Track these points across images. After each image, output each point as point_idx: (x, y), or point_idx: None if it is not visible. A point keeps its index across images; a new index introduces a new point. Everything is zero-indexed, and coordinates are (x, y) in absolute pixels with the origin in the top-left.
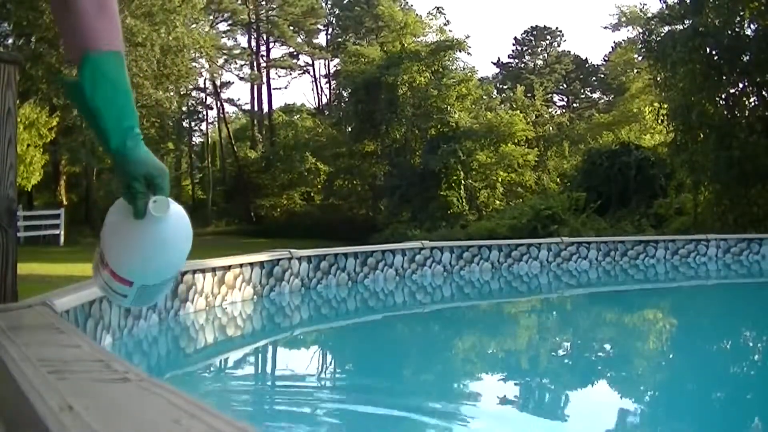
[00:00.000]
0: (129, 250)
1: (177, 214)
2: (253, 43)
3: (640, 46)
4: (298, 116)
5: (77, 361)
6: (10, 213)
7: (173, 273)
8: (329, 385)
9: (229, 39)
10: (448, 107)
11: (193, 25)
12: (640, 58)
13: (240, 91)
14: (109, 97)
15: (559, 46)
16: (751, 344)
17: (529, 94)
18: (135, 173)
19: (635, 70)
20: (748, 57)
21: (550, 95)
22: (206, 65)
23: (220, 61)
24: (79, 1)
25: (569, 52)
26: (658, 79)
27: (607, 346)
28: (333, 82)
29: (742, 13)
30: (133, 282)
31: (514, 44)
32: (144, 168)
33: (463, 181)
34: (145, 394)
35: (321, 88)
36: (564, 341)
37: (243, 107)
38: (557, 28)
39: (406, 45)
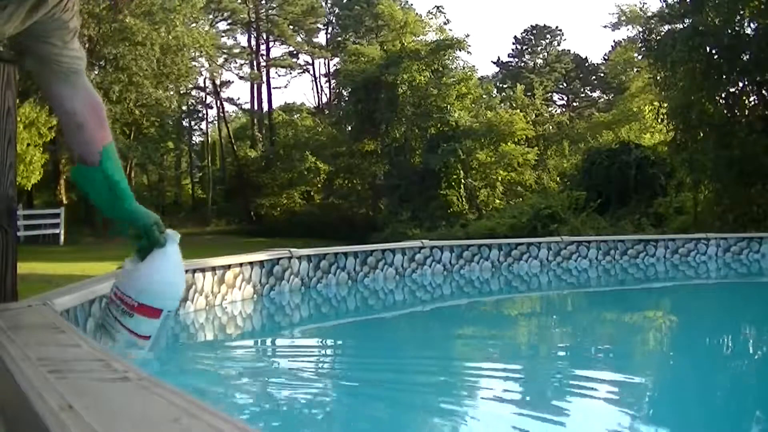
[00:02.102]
0: (159, 279)
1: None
2: (253, 42)
3: (640, 45)
4: (298, 115)
5: (77, 360)
6: (10, 212)
7: (182, 293)
8: (330, 383)
9: (228, 38)
10: (448, 106)
11: (193, 24)
12: (639, 57)
13: (240, 91)
14: (120, 172)
15: (559, 45)
16: (751, 343)
17: (528, 93)
18: (150, 220)
19: (635, 69)
20: (748, 56)
21: (550, 94)
22: (206, 64)
23: (220, 60)
24: (88, 123)
25: (569, 51)
26: (658, 78)
27: (608, 345)
28: (333, 82)
29: (742, 12)
30: (162, 309)
31: (513, 43)
32: (153, 216)
33: (462, 180)
34: (145, 393)
35: (321, 87)
36: (564, 340)
37: (243, 106)
38: (557, 27)
39: (406, 44)
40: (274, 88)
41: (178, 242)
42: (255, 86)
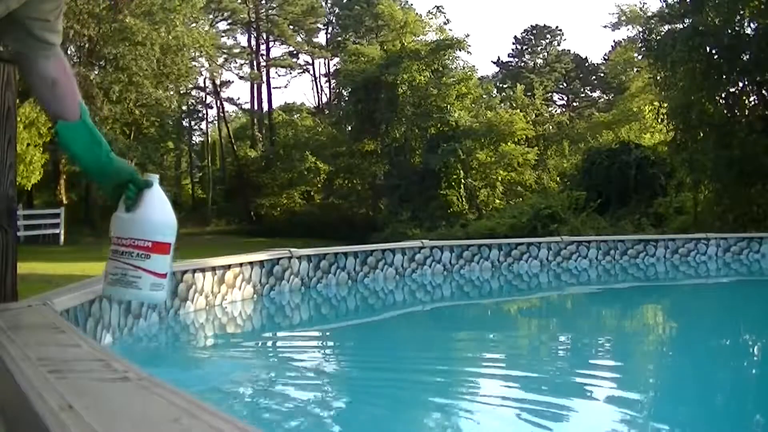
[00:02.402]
0: (161, 215)
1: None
2: (253, 42)
3: (640, 45)
4: (298, 115)
5: (77, 360)
6: (10, 212)
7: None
8: (330, 382)
9: (228, 38)
10: (448, 106)
11: (193, 24)
12: (639, 57)
13: (240, 90)
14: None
15: (559, 45)
16: (751, 343)
17: (528, 93)
18: (132, 167)
19: (635, 69)
20: (748, 56)
21: (549, 94)
22: (206, 64)
23: (220, 60)
24: (61, 78)
25: (569, 51)
26: (658, 78)
27: (608, 345)
28: (333, 81)
29: (741, 12)
30: (171, 243)
31: (513, 43)
32: (131, 167)
33: (462, 180)
34: (145, 393)
35: (321, 87)
36: (564, 339)
37: (243, 106)
38: (557, 27)
39: (406, 44)
40: (274, 88)
41: (157, 180)
42: (255, 86)
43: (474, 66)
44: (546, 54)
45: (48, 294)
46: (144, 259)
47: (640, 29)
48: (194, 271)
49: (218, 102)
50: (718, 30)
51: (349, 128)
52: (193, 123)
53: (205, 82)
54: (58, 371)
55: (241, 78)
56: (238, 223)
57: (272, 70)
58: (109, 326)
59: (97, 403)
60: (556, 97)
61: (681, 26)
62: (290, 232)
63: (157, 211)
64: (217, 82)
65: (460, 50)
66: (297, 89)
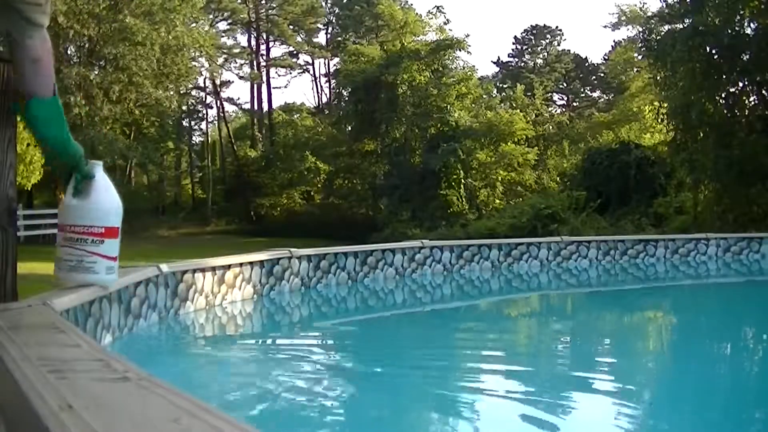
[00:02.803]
0: (108, 202)
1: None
2: (253, 42)
3: (640, 45)
4: (298, 115)
5: (77, 360)
6: (10, 212)
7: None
8: (330, 383)
9: (228, 38)
10: (448, 106)
11: (193, 24)
12: (639, 57)
13: (240, 90)
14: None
15: (559, 45)
16: (751, 343)
17: (528, 93)
18: (80, 153)
19: (635, 69)
20: (748, 56)
21: (549, 94)
22: (206, 64)
23: (220, 60)
24: (44, 56)
25: (569, 51)
26: (658, 78)
27: (608, 345)
28: (333, 81)
29: (741, 12)
30: (119, 227)
31: (513, 43)
32: (81, 150)
33: (462, 180)
34: (145, 393)
35: (321, 87)
36: (565, 340)
37: (243, 106)
38: (557, 27)
39: (405, 44)
40: (274, 88)
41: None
42: (255, 86)
43: (474, 66)
44: (546, 54)
45: (48, 294)
46: (99, 245)
47: (640, 29)
48: (194, 271)
49: (218, 102)
50: (718, 30)
51: (349, 128)
52: (193, 123)
53: (205, 82)
54: (58, 371)
55: (241, 78)
56: (238, 223)
57: (272, 70)
58: (109, 326)
59: (97, 403)
60: (556, 97)
61: (681, 26)
62: (290, 232)
63: (107, 198)
64: (217, 82)
65: (460, 50)
66: (297, 89)
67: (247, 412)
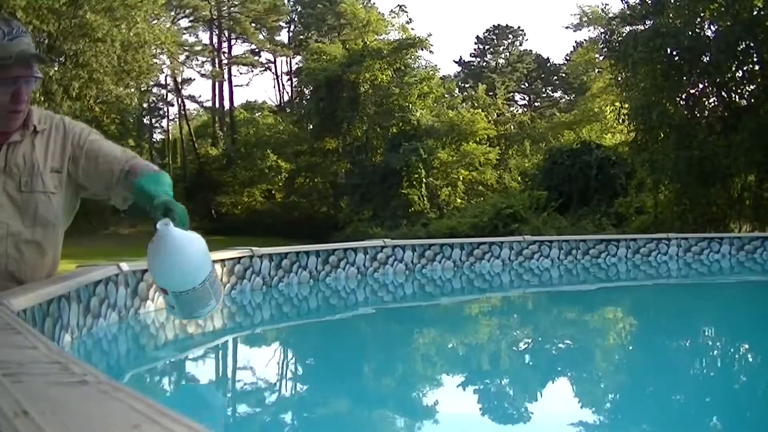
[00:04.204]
0: (154, 264)
1: (181, 236)
2: (215, 40)
3: (601, 45)
4: (260, 113)
5: (33, 363)
6: None
7: (190, 283)
8: (291, 384)
9: (190, 35)
10: (410, 105)
11: (154, 21)
12: (601, 57)
13: (201, 88)
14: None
15: (521, 45)
16: (710, 343)
17: (490, 93)
18: (159, 203)
19: (596, 70)
20: (708, 58)
21: (511, 94)
22: (167, 61)
23: (182, 58)
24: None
25: (531, 51)
26: (619, 78)
27: (571, 344)
28: (295, 80)
29: (702, 15)
30: (167, 290)
31: (476, 43)
32: (166, 203)
33: (424, 180)
34: (105, 398)
35: (282, 85)
36: (528, 339)
37: (204, 104)
38: (519, 27)
39: (368, 43)
40: (235, 86)
41: (167, 229)
42: (216, 84)
43: (436, 65)
44: (508, 54)
45: (4, 293)
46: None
47: (602, 30)
48: None
49: (179, 99)
50: (678, 32)
51: (311, 127)
52: (154, 120)
53: (166, 80)
54: (13, 374)
55: (202, 76)
56: (198, 222)
57: (234, 68)
58: (68, 326)
59: (53, 408)
60: (517, 96)
61: (642, 28)
62: (251, 230)
63: (158, 259)
64: (179, 79)
65: (422, 49)
66: (259, 87)
67: (206, 416)
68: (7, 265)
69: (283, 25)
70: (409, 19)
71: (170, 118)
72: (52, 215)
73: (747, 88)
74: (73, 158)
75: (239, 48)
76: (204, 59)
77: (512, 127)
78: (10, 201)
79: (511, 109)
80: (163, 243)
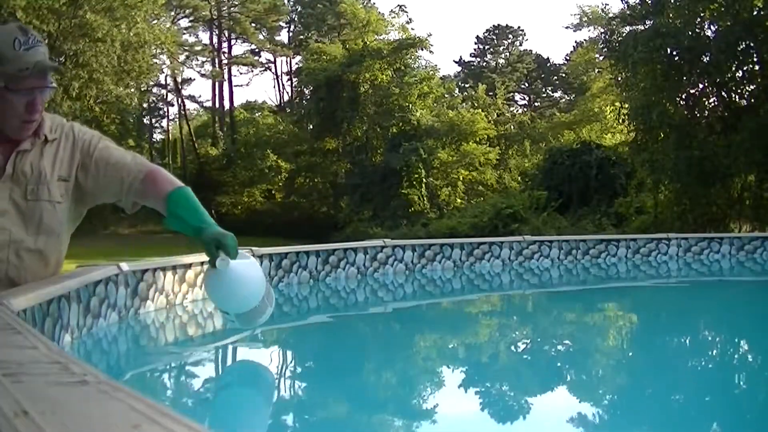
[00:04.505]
0: (212, 292)
1: (238, 267)
2: (215, 40)
3: (601, 45)
4: (260, 113)
5: (33, 363)
6: None
7: (252, 304)
8: (291, 384)
9: (190, 35)
10: (410, 105)
11: (154, 21)
12: (601, 57)
13: (201, 88)
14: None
15: (521, 45)
16: (710, 343)
17: (490, 93)
18: (209, 240)
19: (596, 70)
20: (707, 57)
21: (511, 94)
22: (167, 61)
23: (182, 58)
24: (165, 175)
25: (531, 51)
26: (619, 78)
27: (573, 345)
28: (295, 80)
29: (702, 15)
30: (227, 312)
31: (476, 43)
32: (215, 236)
33: (424, 180)
34: (105, 398)
35: (282, 85)
36: (528, 339)
37: (204, 104)
38: (519, 27)
39: (368, 43)
40: (235, 85)
41: (228, 266)
42: (216, 84)
43: (436, 65)
44: (508, 54)
45: (3, 293)
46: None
47: (602, 30)
48: (155, 270)
49: (179, 99)
50: (678, 32)
51: (311, 127)
52: (154, 120)
53: (166, 80)
54: (13, 374)
55: (202, 76)
56: None
57: (234, 68)
58: (68, 326)
59: (53, 408)
60: (517, 96)
61: (642, 28)
62: (251, 230)
63: (216, 287)
64: (179, 79)
65: (422, 49)
66: (259, 87)
67: (207, 416)
68: (7, 272)
69: (283, 25)
70: (409, 19)
71: (170, 118)
72: (57, 224)
73: (747, 88)
74: (82, 166)
75: (239, 48)
76: (204, 59)
77: (512, 127)
78: (15, 208)
79: (511, 109)
80: (223, 278)
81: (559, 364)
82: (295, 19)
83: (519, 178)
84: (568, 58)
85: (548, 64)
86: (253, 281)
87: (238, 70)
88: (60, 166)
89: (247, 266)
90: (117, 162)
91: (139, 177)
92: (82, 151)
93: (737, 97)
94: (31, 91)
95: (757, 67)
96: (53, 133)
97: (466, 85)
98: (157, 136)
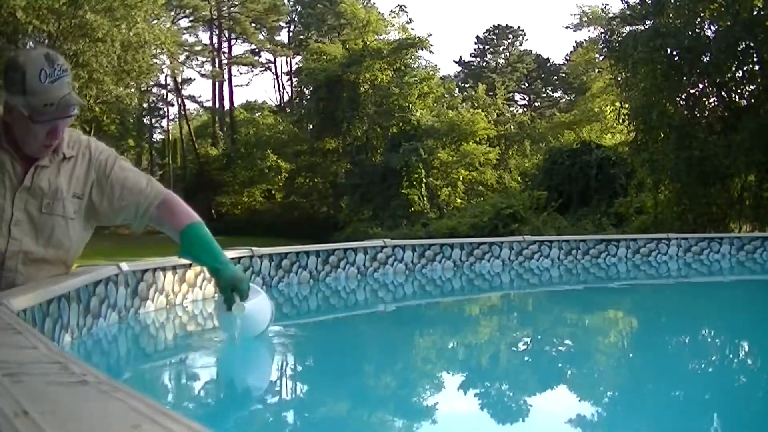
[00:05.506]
0: (225, 327)
1: (252, 309)
2: (215, 40)
3: (601, 45)
4: (260, 113)
5: (34, 363)
6: None
7: (257, 333)
8: (292, 384)
9: (190, 35)
10: (410, 105)
11: (154, 21)
12: (601, 57)
13: (201, 88)
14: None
15: (521, 45)
16: (710, 343)
17: (490, 93)
18: (225, 283)
19: (596, 70)
20: (707, 58)
21: (511, 94)
22: (167, 61)
23: (182, 58)
24: (179, 205)
25: (531, 51)
26: (619, 78)
27: (573, 345)
28: (295, 80)
29: (702, 15)
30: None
31: (476, 43)
32: (231, 281)
33: (424, 180)
34: (105, 398)
35: (283, 85)
36: (528, 339)
37: (204, 104)
38: (519, 27)
39: (368, 43)
40: (235, 85)
41: (244, 311)
42: (216, 84)
43: (436, 65)
44: (508, 54)
45: (4, 294)
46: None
47: (602, 30)
48: (155, 270)
49: (179, 99)
50: (678, 32)
51: (311, 127)
52: (154, 120)
53: (166, 80)
54: (13, 374)
55: (202, 76)
56: None
57: (234, 68)
58: (68, 326)
59: (53, 408)
60: (517, 96)
61: (642, 28)
62: (251, 230)
63: (228, 326)
64: (179, 79)
65: (422, 49)
66: (259, 87)
67: (206, 417)
68: (14, 280)
69: (283, 25)
70: (409, 19)
71: (170, 118)
72: (66, 239)
73: (747, 88)
74: (98, 184)
75: (239, 48)
76: (204, 59)
77: (512, 127)
78: (28, 219)
79: (511, 109)
80: (240, 322)
81: (559, 364)
82: (295, 19)
83: (519, 178)
84: (568, 58)
85: (548, 64)
86: (265, 317)
87: (238, 70)
88: (75, 184)
89: (261, 306)
90: (133, 186)
91: (155, 203)
92: (98, 170)
93: (737, 97)
94: (53, 121)
95: (757, 67)
96: (71, 149)
97: (466, 85)
98: (157, 136)
